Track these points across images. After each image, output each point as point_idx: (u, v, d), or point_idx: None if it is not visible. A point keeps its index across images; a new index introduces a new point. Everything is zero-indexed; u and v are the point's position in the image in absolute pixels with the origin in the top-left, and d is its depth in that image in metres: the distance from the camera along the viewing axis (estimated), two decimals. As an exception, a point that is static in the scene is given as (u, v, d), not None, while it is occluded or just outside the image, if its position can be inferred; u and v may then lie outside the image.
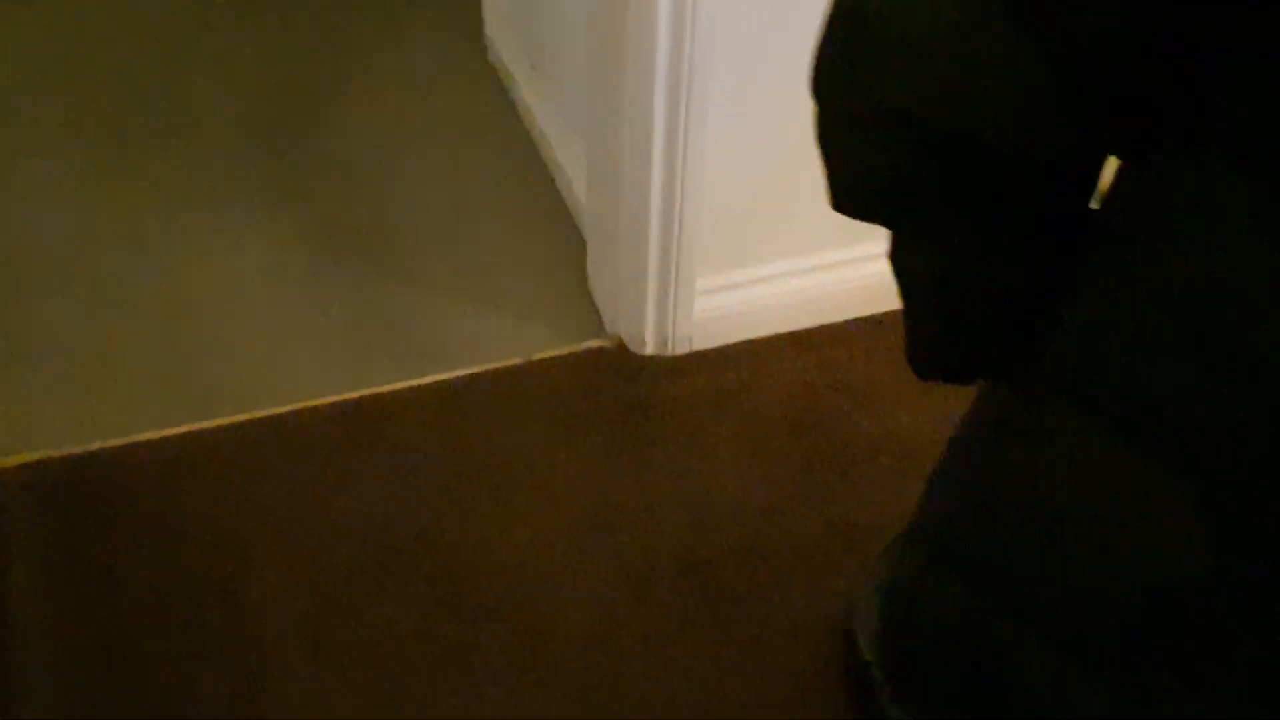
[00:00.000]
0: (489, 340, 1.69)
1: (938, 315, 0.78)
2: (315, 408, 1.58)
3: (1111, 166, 0.68)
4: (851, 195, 0.73)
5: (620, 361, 1.67)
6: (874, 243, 0.96)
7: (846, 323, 1.72)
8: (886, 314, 1.71)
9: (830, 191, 0.73)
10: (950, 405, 0.92)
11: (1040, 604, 0.71)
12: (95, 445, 1.51)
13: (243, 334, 1.69)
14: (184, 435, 1.53)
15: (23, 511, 1.44)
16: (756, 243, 1.63)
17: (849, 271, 1.67)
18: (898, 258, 0.79)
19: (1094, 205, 0.70)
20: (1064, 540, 0.66)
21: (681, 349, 1.67)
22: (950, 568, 0.79)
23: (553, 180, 1.94)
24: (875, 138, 0.66)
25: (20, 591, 1.34)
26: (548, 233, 1.86)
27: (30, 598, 1.33)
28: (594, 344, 1.70)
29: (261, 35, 2.26)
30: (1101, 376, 0.63)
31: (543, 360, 1.66)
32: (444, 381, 1.63)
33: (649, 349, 1.67)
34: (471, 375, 1.64)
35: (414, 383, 1.63)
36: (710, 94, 1.41)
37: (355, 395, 1.60)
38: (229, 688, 1.26)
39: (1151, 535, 0.58)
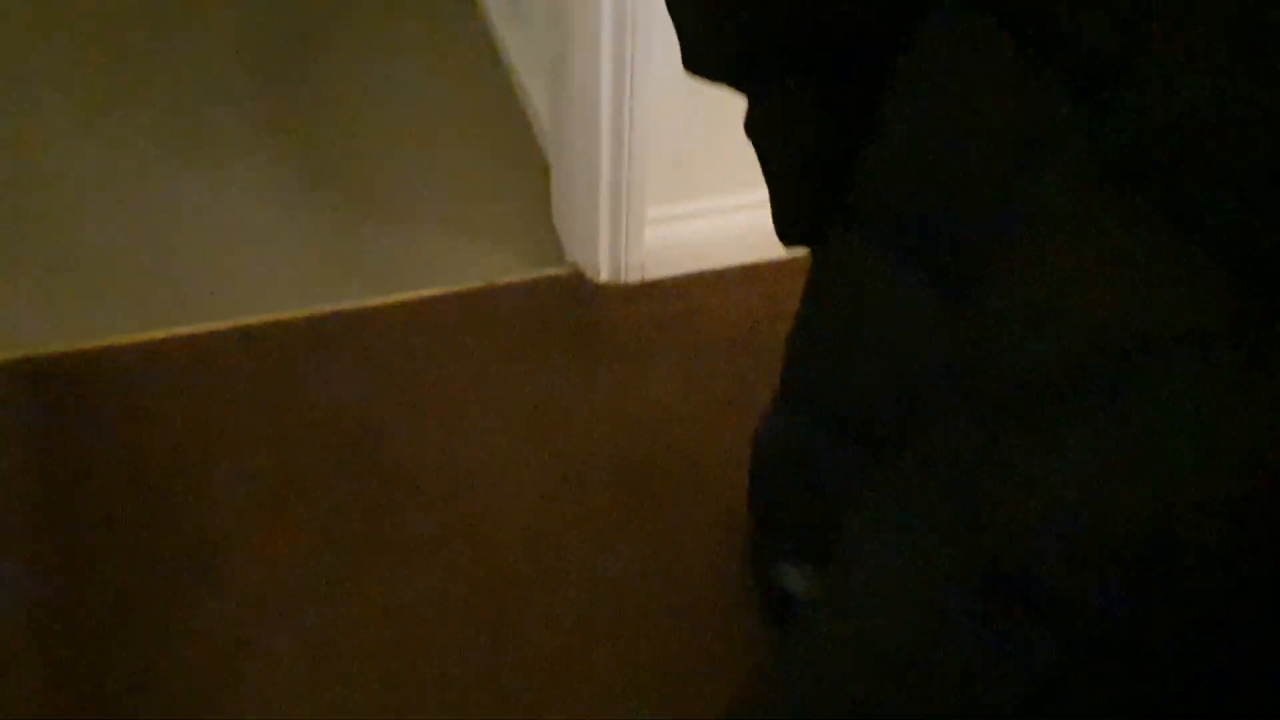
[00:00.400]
0: (456, 265, 1.80)
1: (794, 176, 0.88)
2: (289, 319, 1.69)
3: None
4: (702, 58, 0.82)
5: (575, 288, 1.77)
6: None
7: (794, 258, 1.81)
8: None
9: (682, 54, 0.83)
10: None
11: (860, 418, 0.80)
12: (80, 345, 1.63)
13: (225, 249, 1.81)
14: (163, 339, 1.64)
15: (13, 401, 1.55)
16: (707, 175, 1.72)
17: (795, 207, 1.76)
18: (753, 125, 0.88)
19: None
20: (863, 352, 0.75)
21: (633, 278, 1.77)
22: (791, 403, 0.89)
23: (527, 119, 2.05)
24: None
25: (6, 469, 1.46)
26: (518, 168, 1.97)
27: (15, 474, 1.45)
28: (552, 271, 1.80)
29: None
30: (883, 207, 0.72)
31: (504, 285, 1.77)
32: (410, 300, 1.73)
33: (603, 276, 1.77)
34: (437, 296, 1.74)
35: (382, 300, 1.73)
36: (656, 23, 1.51)
37: (327, 310, 1.71)
38: (188, 553, 1.37)
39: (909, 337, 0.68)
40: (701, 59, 0.83)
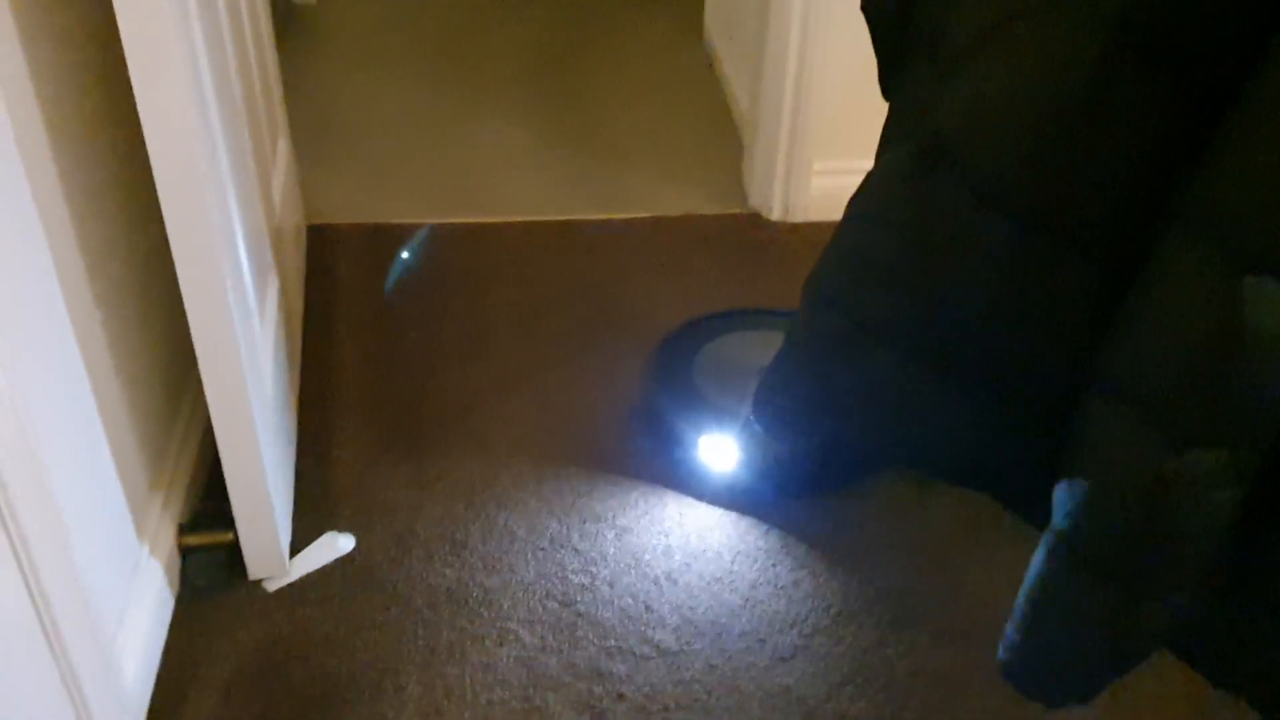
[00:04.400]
0: (664, 199, 2.43)
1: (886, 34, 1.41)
2: (543, 221, 2.35)
3: None
4: None
5: (753, 222, 2.38)
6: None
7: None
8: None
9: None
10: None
11: (913, 334, 1.24)
12: (403, 220, 2.32)
13: (504, 175, 2.50)
14: (456, 223, 2.32)
15: (341, 255, 2.25)
16: (861, 139, 2.31)
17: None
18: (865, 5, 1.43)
19: None
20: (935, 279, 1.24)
21: (798, 218, 2.36)
22: (824, 304, 1.34)
23: (730, 109, 2.69)
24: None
25: (339, 309, 2.14)
26: (720, 140, 2.61)
27: (352, 296, 2.13)
28: (736, 210, 2.41)
29: (542, 13, 3.14)
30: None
31: (698, 215, 2.39)
32: (628, 218, 2.37)
33: (774, 215, 2.37)
34: (646, 217, 2.38)
35: (608, 216, 2.38)
36: (833, 26, 2.13)
37: (570, 218, 2.37)
38: (469, 338, 2.01)
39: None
40: None
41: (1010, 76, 1.04)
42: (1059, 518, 1.12)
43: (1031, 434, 1.15)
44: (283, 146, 2.02)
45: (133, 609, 1.38)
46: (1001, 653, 1.22)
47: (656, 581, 1.56)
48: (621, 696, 1.41)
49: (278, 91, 2.04)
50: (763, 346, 1.62)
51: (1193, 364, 0.98)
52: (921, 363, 1.16)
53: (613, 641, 1.48)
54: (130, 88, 1.15)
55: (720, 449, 1.70)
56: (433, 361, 1.96)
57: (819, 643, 1.49)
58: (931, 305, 1.12)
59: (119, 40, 1.12)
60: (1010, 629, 1.21)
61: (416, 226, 2.32)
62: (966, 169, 1.07)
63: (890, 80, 1.37)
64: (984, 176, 1.06)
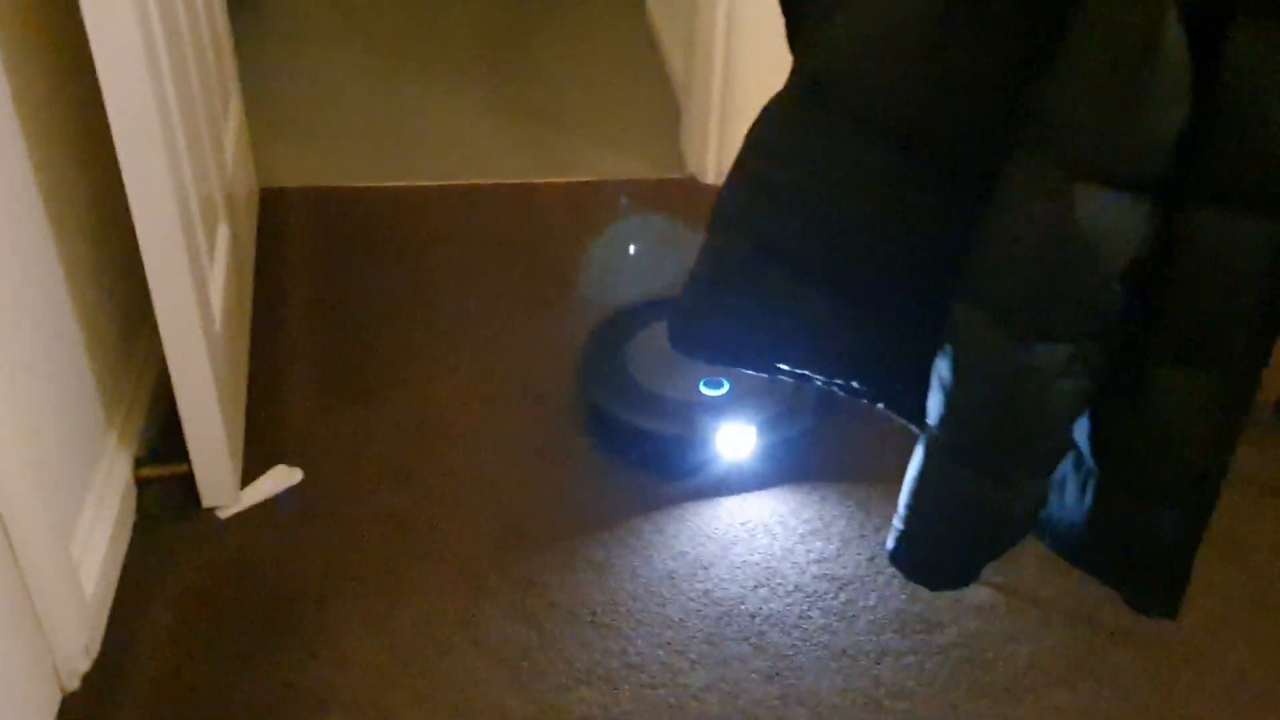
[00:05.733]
0: (605, 164, 2.54)
1: None
2: (490, 184, 2.46)
3: None
4: None
5: (689, 187, 2.49)
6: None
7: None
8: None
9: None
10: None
11: (803, 253, 1.36)
12: (353, 184, 2.42)
13: (454, 141, 2.60)
14: (406, 186, 2.43)
15: (295, 217, 2.34)
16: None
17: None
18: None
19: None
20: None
21: (731, 180, 2.48)
22: (725, 227, 1.46)
23: (668, 79, 2.81)
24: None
25: (302, 255, 2.24)
26: (658, 109, 2.73)
27: (303, 257, 2.23)
28: (674, 176, 2.52)
29: (493, -8, 3.26)
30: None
31: (639, 179, 2.50)
32: (571, 182, 2.48)
33: (709, 179, 2.49)
34: (590, 181, 2.49)
35: (551, 180, 2.49)
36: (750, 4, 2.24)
37: (512, 182, 2.47)
38: (412, 288, 2.11)
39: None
40: None
41: (878, 16, 1.16)
42: (932, 414, 1.24)
43: (911, 342, 1.27)
44: (234, 107, 2.12)
45: (92, 533, 1.48)
46: (889, 543, 1.34)
47: (581, 490, 1.68)
48: (553, 605, 1.52)
49: (229, 52, 2.14)
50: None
51: (1033, 267, 1.10)
52: (812, 279, 1.27)
53: (547, 556, 1.59)
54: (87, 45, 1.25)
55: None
56: (380, 312, 2.06)
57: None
58: (818, 226, 1.24)
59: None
60: (896, 520, 1.33)
61: (366, 190, 2.42)
62: (845, 101, 1.18)
63: (793, 35, 1.49)
64: (860, 107, 1.18)
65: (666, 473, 1.72)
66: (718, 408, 1.74)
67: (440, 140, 2.63)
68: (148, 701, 1.38)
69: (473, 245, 2.26)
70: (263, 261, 2.17)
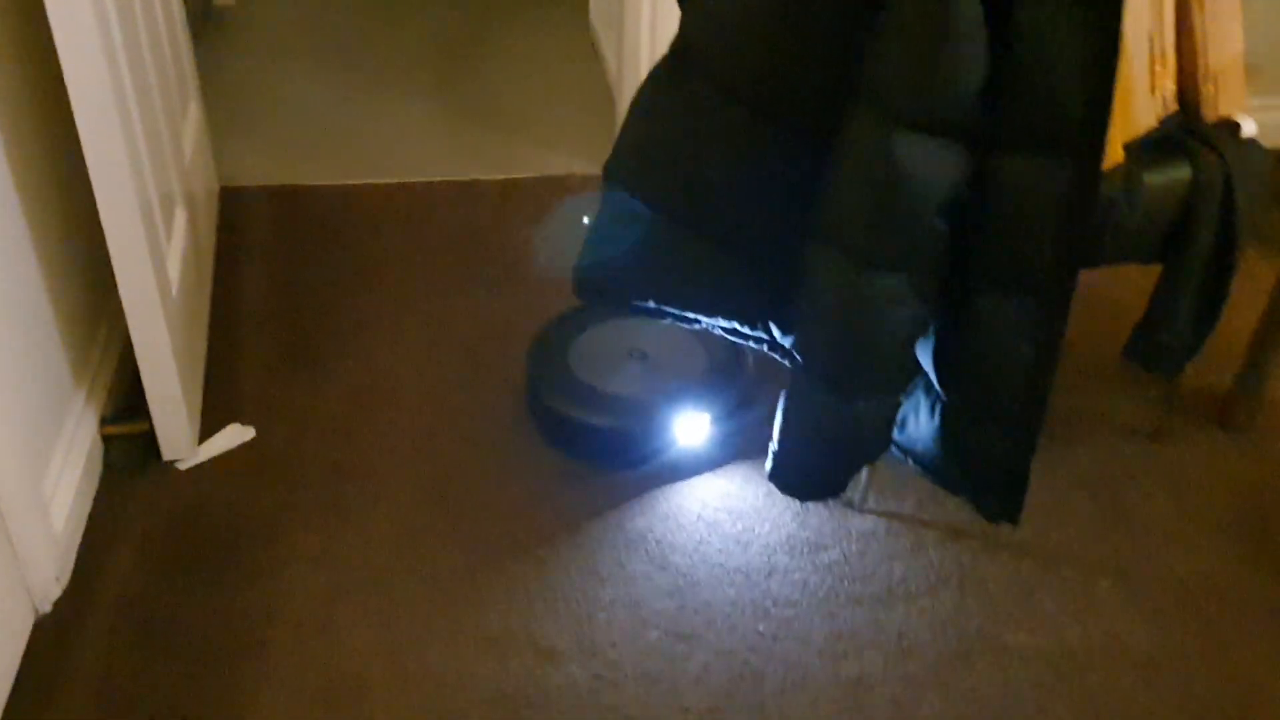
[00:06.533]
0: (543, 161, 2.73)
1: None
2: (435, 181, 2.64)
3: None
4: None
5: (623, 179, 2.67)
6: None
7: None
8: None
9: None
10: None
11: (681, 205, 1.54)
12: (303, 182, 2.60)
13: (400, 142, 2.79)
14: (355, 184, 2.61)
15: (254, 212, 2.52)
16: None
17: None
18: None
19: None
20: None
21: (661, 174, 2.67)
22: (614, 184, 1.64)
23: (609, 85, 3.00)
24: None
25: (258, 239, 2.42)
26: (595, 108, 2.92)
27: (259, 242, 2.41)
28: (609, 169, 2.71)
29: (444, 10, 3.44)
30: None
31: (579, 175, 2.68)
32: (517, 178, 2.67)
33: (641, 172, 2.67)
34: (534, 177, 2.67)
35: (497, 177, 2.67)
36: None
37: (460, 179, 2.66)
38: (358, 271, 2.29)
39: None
40: None
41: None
42: (795, 342, 1.43)
43: (777, 283, 1.46)
44: (193, 109, 2.30)
45: (62, 478, 1.64)
46: (767, 464, 1.52)
47: (511, 444, 1.85)
48: (481, 536, 1.69)
49: (188, 61, 2.32)
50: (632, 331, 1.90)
51: (867, 206, 1.29)
52: (688, 228, 1.46)
53: (477, 495, 1.76)
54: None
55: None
56: (331, 293, 2.24)
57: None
58: (689, 180, 1.43)
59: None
60: (771, 444, 1.51)
61: (321, 188, 2.60)
62: (707, 67, 1.37)
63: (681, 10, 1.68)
64: (720, 73, 1.37)
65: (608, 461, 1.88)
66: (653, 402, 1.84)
67: (391, 143, 2.81)
68: (112, 623, 1.54)
69: (419, 236, 2.44)
70: (224, 251, 2.35)
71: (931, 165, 1.25)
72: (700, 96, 1.38)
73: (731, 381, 1.86)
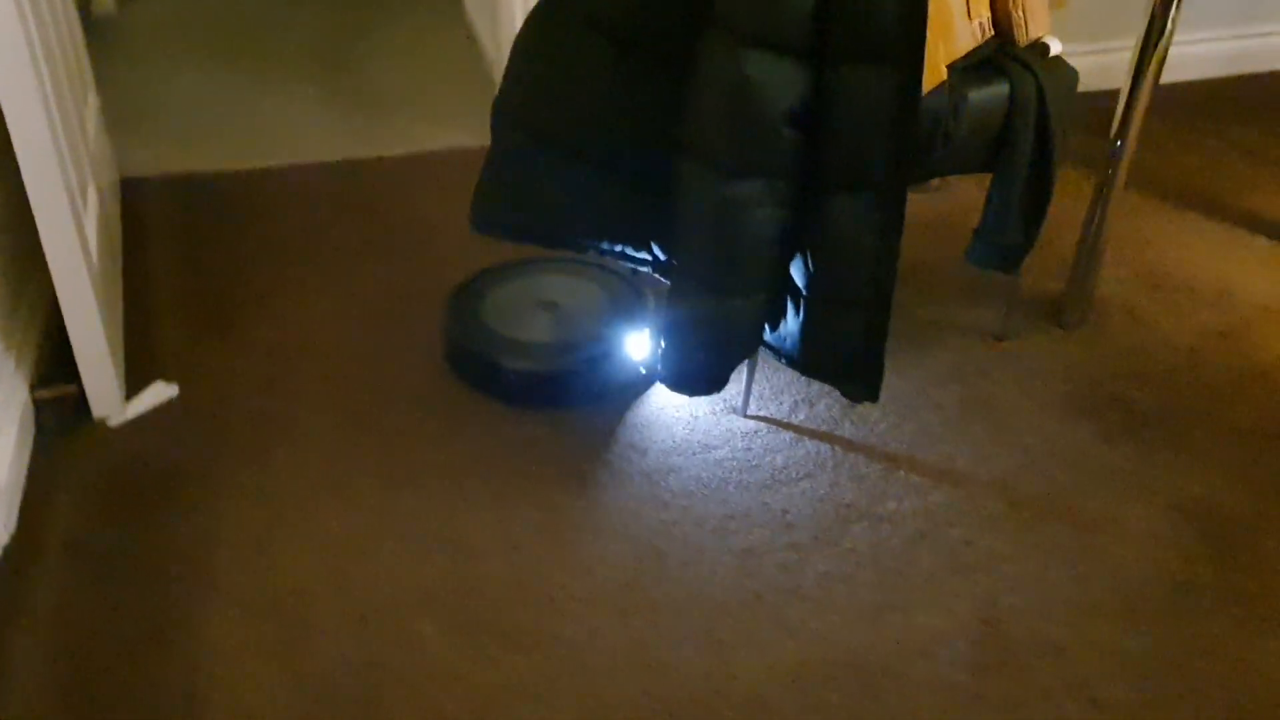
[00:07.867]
0: (426, 138, 2.88)
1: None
2: (327, 162, 2.77)
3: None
4: None
5: (508, 151, 2.84)
6: None
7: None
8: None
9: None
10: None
11: (561, 135, 1.72)
12: (207, 168, 2.72)
13: (293, 132, 2.91)
14: (251, 168, 2.73)
15: (157, 201, 2.63)
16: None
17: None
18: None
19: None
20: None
21: (544, 143, 2.84)
22: (501, 120, 1.81)
23: (487, 68, 3.17)
24: None
25: (166, 226, 2.52)
26: (474, 88, 3.07)
27: (164, 228, 2.51)
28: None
29: (325, 9, 3.57)
30: None
31: (460, 149, 2.84)
32: (402, 155, 2.81)
33: (525, 143, 2.84)
34: (419, 153, 2.82)
35: (383, 154, 2.81)
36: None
37: (350, 157, 2.79)
38: (270, 251, 2.41)
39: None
40: None
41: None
42: (674, 250, 1.61)
43: (657, 201, 1.64)
44: (91, 100, 2.40)
45: (-1, 436, 1.76)
46: (657, 368, 1.70)
47: (425, 387, 2.00)
48: (403, 463, 1.84)
49: (84, 55, 2.42)
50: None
51: (723, 117, 1.48)
52: (571, 158, 1.63)
53: (395, 431, 1.90)
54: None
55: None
56: (238, 268, 2.36)
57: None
58: (568, 111, 1.60)
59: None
60: (658, 347, 1.69)
61: (218, 173, 2.71)
62: (577, 6, 1.55)
63: None
64: (589, 11, 1.55)
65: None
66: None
67: (282, 129, 2.93)
68: (63, 562, 1.66)
69: (318, 211, 2.57)
70: (130, 237, 2.45)
71: (775, 78, 1.45)
72: (571, 33, 1.56)
73: (634, 317, 2.04)
